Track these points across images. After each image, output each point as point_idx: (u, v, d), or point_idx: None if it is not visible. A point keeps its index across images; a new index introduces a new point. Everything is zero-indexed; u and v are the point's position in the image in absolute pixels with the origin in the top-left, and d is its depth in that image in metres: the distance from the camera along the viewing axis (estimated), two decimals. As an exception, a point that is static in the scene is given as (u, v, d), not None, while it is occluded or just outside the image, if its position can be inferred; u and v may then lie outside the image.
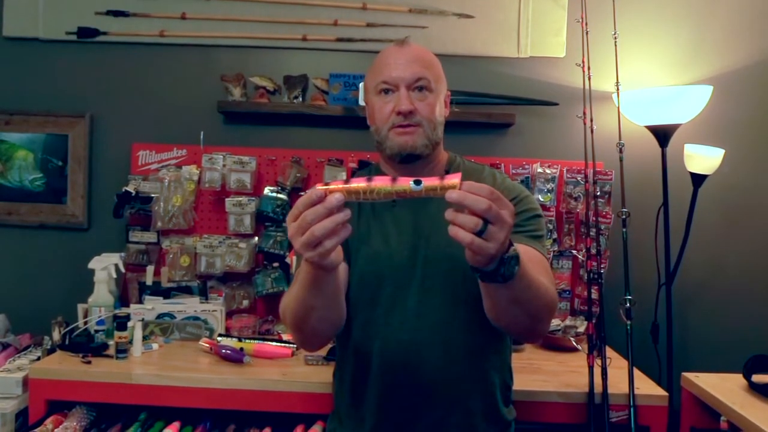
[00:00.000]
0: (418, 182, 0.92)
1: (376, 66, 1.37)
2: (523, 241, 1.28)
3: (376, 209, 1.39)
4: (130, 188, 2.23)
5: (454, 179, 0.92)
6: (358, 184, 0.93)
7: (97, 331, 2.03)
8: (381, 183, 0.93)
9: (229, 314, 2.23)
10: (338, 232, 0.94)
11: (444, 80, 1.40)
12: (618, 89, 2.08)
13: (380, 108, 1.34)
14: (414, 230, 1.34)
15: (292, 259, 2.16)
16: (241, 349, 1.90)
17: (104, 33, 2.36)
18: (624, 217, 1.95)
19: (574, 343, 2.00)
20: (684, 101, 2.14)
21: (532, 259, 1.23)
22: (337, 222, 0.93)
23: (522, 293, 1.09)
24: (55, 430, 1.69)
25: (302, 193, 1.16)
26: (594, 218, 2.00)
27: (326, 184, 0.94)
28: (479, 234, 0.91)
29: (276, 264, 2.24)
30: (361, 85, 2.18)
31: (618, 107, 2.09)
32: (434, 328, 1.30)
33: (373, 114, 1.37)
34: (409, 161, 1.34)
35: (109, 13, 2.35)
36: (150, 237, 2.26)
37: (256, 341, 1.98)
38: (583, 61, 2.06)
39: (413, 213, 1.36)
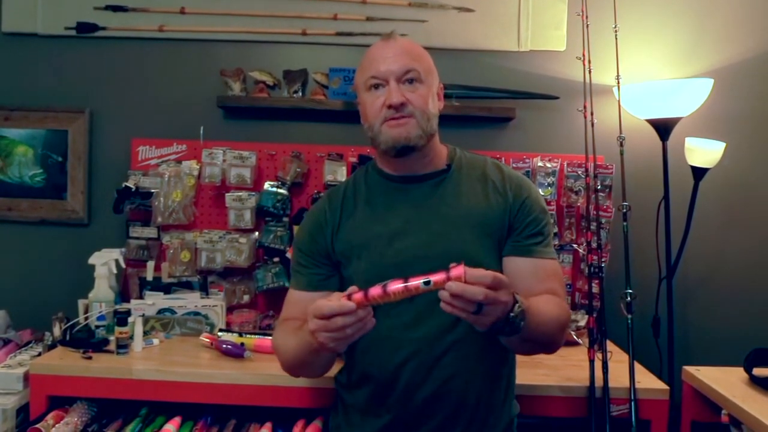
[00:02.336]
0: (427, 282, 1.01)
1: (365, 63, 1.36)
2: (542, 253, 1.33)
3: (378, 212, 1.37)
4: (130, 184, 2.22)
5: (460, 271, 0.99)
6: (376, 292, 1.03)
7: (97, 327, 2.03)
8: (395, 287, 1.02)
9: (230, 309, 2.23)
10: (365, 328, 1.08)
11: (435, 73, 1.38)
12: (618, 83, 2.07)
13: (371, 103, 1.32)
14: (423, 228, 1.33)
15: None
16: (242, 344, 1.90)
17: (103, 28, 2.35)
18: (625, 210, 1.94)
19: (575, 337, 2.00)
20: (685, 94, 2.13)
21: (550, 273, 1.32)
22: (366, 324, 1.07)
23: (532, 333, 1.14)
24: (56, 425, 1.69)
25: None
26: (595, 212, 2.00)
27: (349, 296, 1.06)
28: (475, 313, 1.00)
29: (276, 259, 2.24)
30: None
31: (618, 101, 2.09)
32: (446, 325, 1.29)
33: (365, 111, 1.35)
34: (404, 154, 1.32)
35: (107, 8, 2.34)
36: (150, 232, 2.26)
37: (256, 336, 1.97)
38: (583, 55, 2.05)
39: (418, 211, 1.35)
